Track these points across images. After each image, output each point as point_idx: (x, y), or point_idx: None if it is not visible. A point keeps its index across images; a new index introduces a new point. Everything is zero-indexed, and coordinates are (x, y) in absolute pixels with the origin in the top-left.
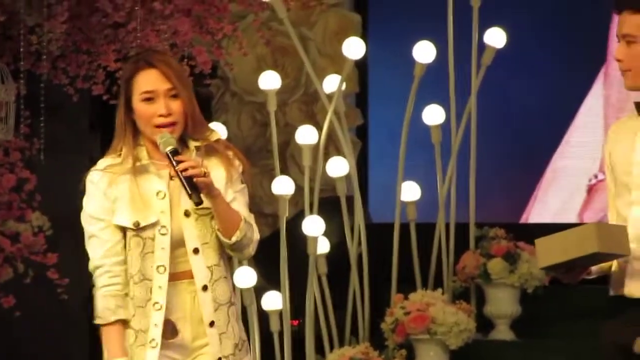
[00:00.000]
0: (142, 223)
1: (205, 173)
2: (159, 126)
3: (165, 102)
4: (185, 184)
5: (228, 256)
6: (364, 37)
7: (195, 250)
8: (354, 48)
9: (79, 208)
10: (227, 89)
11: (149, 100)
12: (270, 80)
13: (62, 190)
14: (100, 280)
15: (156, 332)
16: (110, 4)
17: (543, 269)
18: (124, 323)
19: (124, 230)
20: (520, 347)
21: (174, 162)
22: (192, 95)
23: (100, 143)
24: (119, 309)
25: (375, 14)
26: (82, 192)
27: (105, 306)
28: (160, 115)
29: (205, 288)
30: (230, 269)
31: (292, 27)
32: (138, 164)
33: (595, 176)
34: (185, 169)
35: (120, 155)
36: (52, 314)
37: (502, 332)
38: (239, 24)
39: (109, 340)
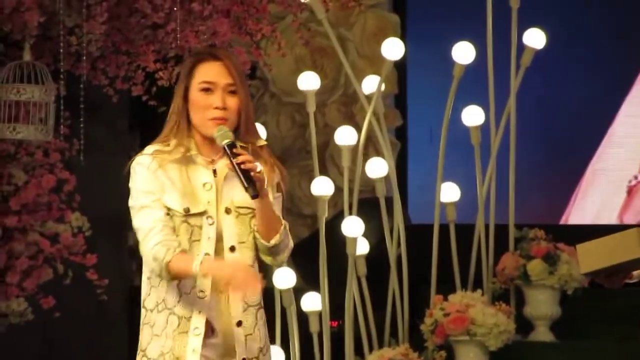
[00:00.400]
0: (192, 210)
1: (260, 170)
2: (212, 119)
3: (223, 96)
4: (242, 176)
5: (260, 260)
6: (402, 37)
7: (232, 248)
8: (392, 49)
9: (118, 209)
10: (266, 89)
11: (207, 90)
12: (309, 81)
13: (101, 191)
14: (158, 236)
15: (200, 321)
16: (149, 5)
17: (585, 275)
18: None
19: (169, 212)
20: (560, 348)
21: (231, 155)
22: (249, 98)
23: (140, 143)
24: (178, 247)
25: (414, 14)
26: (125, 179)
27: (168, 247)
28: (216, 108)
29: None
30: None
31: (330, 28)
32: (188, 153)
33: (635, 177)
34: (243, 162)
35: (168, 144)
36: (91, 315)
37: (542, 334)
38: (278, 25)
39: (184, 259)
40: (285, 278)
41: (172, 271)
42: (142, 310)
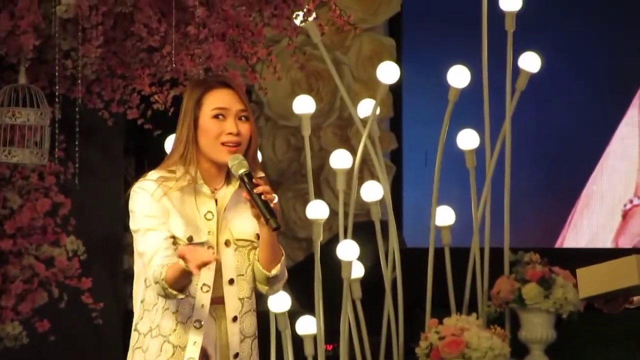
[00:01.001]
0: (195, 239)
1: (277, 201)
2: (225, 144)
3: (236, 122)
4: (263, 207)
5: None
6: (398, 61)
7: (231, 281)
8: (388, 72)
9: (113, 232)
10: (261, 113)
11: (219, 117)
12: (304, 105)
13: (96, 215)
14: (157, 260)
15: (194, 351)
16: (144, 29)
17: (584, 299)
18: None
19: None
20: None
21: (249, 185)
22: (256, 128)
23: (135, 167)
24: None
25: (410, 38)
26: (123, 205)
27: (163, 265)
28: (230, 134)
29: (235, 319)
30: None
31: (326, 52)
32: (193, 183)
33: (631, 201)
34: (263, 193)
35: (174, 171)
36: (86, 339)
37: (537, 357)
38: (273, 48)
39: (172, 267)
40: (280, 302)
41: (170, 283)
42: (134, 334)
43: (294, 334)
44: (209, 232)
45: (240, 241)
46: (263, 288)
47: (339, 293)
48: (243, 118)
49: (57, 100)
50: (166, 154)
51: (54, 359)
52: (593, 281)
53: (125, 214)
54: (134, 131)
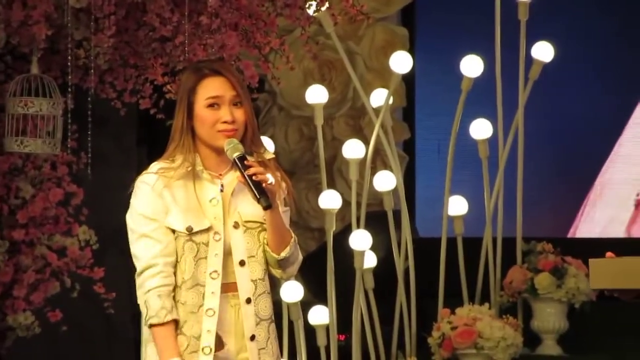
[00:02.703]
0: (196, 228)
1: (272, 182)
2: (221, 131)
3: (230, 109)
4: (254, 187)
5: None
6: (411, 51)
7: (242, 263)
8: (401, 62)
9: (125, 222)
10: (274, 103)
11: (213, 106)
12: (317, 95)
13: (109, 205)
14: (155, 280)
15: (209, 339)
16: (157, 18)
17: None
18: (176, 324)
19: (174, 233)
20: None
21: (242, 167)
22: (252, 108)
23: (147, 157)
24: (174, 309)
25: (422, 28)
26: (129, 196)
27: (161, 305)
28: (225, 122)
29: (248, 301)
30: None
31: (339, 42)
32: (194, 169)
33: None
34: (254, 174)
35: (173, 160)
36: (98, 329)
37: (549, 347)
38: (286, 38)
39: (165, 339)
40: (292, 291)
41: (151, 333)
42: (145, 328)
43: (307, 324)
44: (215, 217)
45: (249, 222)
46: (277, 272)
47: (352, 283)
48: (238, 104)
49: (69, 90)
50: None
51: (66, 349)
52: (606, 274)
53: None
54: (147, 121)
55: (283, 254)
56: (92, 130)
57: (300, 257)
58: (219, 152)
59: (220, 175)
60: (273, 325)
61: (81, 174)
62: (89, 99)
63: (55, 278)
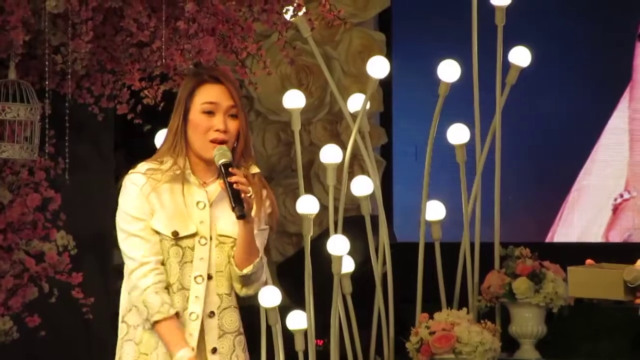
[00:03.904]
0: (181, 233)
1: (251, 195)
2: (212, 141)
3: (224, 119)
4: (232, 195)
5: None
6: (388, 56)
7: (209, 276)
8: (378, 67)
9: (103, 227)
10: (251, 108)
11: (209, 113)
12: (294, 100)
13: (86, 210)
14: (149, 278)
15: (191, 342)
16: (134, 24)
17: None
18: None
19: (159, 235)
20: None
21: (226, 174)
22: (247, 121)
23: (125, 162)
24: (174, 303)
25: (400, 32)
26: (110, 198)
27: (162, 301)
28: (217, 130)
29: (212, 314)
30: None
31: (316, 46)
32: (181, 172)
33: (621, 195)
34: (236, 182)
35: (162, 162)
36: (77, 334)
37: (528, 352)
38: (263, 43)
39: (173, 332)
40: (270, 296)
41: (156, 330)
42: (122, 326)
43: (285, 329)
44: (201, 221)
45: (222, 237)
46: (237, 287)
47: (330, 288)
48: (233, 115)
49: (47, 95)
50: (156, 148)
51: (44, 354)
52: (584, 284)
53: (115, 209)
54: (124, 126)
55: (245, 271)
56: (69, 135)
57: (264, 279)
58: (208, 162)
59: (205, 183)
60: (240, 338)
61: (59, 180)
62: (66, 104)
63: (34, 283)
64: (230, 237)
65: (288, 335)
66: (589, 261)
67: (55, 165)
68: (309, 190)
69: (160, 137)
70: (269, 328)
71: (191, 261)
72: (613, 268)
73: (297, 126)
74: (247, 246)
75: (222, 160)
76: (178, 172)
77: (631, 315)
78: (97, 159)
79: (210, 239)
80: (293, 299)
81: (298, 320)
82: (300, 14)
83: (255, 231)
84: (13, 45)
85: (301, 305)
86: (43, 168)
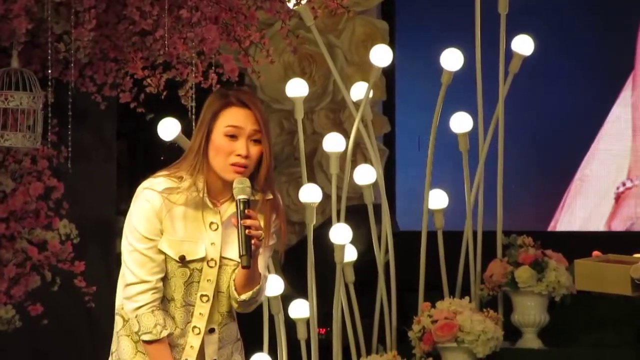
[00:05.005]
0: (189, 257)
1: (262, 239)
2: (233, 164)
3: (247, 143)
4: (242, 241)
5: None
6: (391, 44)
7: (209, 298)
8: (381, 55)
9: (106, 216)
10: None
11: (232, 136)
12: (297, 88)
13: (89, 198)
14: (146, 296)
15: (192, 354)
16: (137, 12)
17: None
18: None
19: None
20: (548, 355)
21: (241, 214)
22: (271, 147)
23: (127, 151)
24: (167, 322)
25: (403, 21)
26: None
27: (156, 322)
28: (239, 155)
29: (212, 331)
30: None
31: (319, 35)
32: (198, 194)
33: (623, 184)
34: (249, 227)
35: (180, 179)
36: (79, 322)
37: (530, 341)
38: (266, 32)
39: (161, 354)
40: (273, 285)
41: (145, 347)
42: (119, 319)
43: (287, 318)
44: (212, 243)
45: (226, 259)
46: (234, 305)
47: (332, 277)
48: (256, 140)
49: (49, 83)
50: (158, 137)
51: (47, 343)
52: (590, 277)
53: (118, 198)
54: (127, 115)
55: (243, 297)
56: (72, 124)
57: (262, 299)
58: (225, 183)
59: (219, 202)
60: (238, 344)
61: (61, 168)
62: (69, 92)
63: (36, 272)
64: (234, 260)
65: (290, 324)
66: (595, 253)
67: (57, 154)
68: (311, 179)
69: (162, 126)
70: (271, 317)
71: (198, 282)
72: (620, 260)
73: (300, 115)
74: (249, 279)
75: (240, 197)
76: (195, 194)
77: (634, 305)
78: (99, 147)
79: (220, 260)
80: (295, 288)
81: (300, 309)
82: (303, 2)
83: (261, 250)
84: (16, 34)
85: (304, 294)
86: (46, 157)
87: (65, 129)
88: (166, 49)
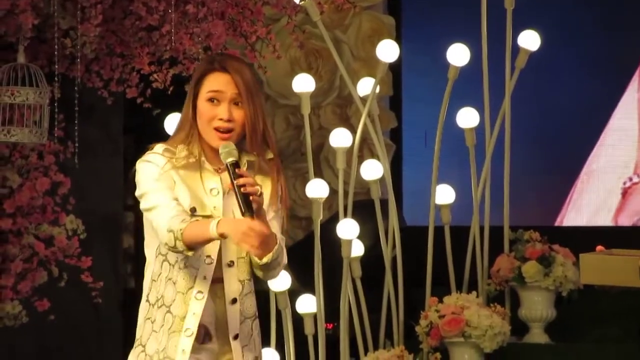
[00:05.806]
0: (199, 212)
1: (260, 193)
2: (216, 129)
3: (229, 107)
4: (240, 200)
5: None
6: (397, 39)
7: (230, 263)
8: (387, 51)
9: (113, 211)
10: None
11: (213, 101)
12: (304, 83)
13: (96, 194)
14: (171, 211)
15: (194, 321)
16: (143, 7)
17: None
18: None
19: None
20: (555, 350)
21: (233, 175)
22: (260, 110)
23: (134, 146)
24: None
25: (409, 16)
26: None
27: (182, 219)
28: (221, 119)
29: (234, 301)
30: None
31: (325, 30)
32: (197, 160)
33: (630, 179)
34: (244, 185)
35: (177, 147)
36: (86, 318)
37: (537, 336)
38: (273, 27)
39: (199, 224)
40: (280, 280)
41: (186, 239)
42: (146, 304)
43: (294, 313)
44: (215, 207)
45: None
46: (258, 273)
47: (339, 272)
48: (238, 103)
49: (56, 79)
50: (165, 132)
51: (53, 338)
52: (596, 270)
53: (125, 193)
54: (133, 110)
55: (265, 260)
56: (78, 119)
57: (285, 261)
58: (216, 150)
59: (220, 169)
60: (256, 322)
61: (68, 163)
62: (75, 88)
63: (43, 267)
64: None
65: (298, 319)
66: (599, 247)
67: (64, 149)
68: (318, 174)
69: (170, 121)
70: (278, 312)
71: None
72: (624, 254)
73: (306, 110)
74: (264, 240)
75: (228, 160)
76: (193, 160)
77: None
78: (106, 142)
79: None
80: (303, 283)
81: (308, 304)
82: None
83: (272, 214)
84: (22, 29)
85: (311, 289)
86: (52, 152)
87: (72, 125)
88: (173, 44)
